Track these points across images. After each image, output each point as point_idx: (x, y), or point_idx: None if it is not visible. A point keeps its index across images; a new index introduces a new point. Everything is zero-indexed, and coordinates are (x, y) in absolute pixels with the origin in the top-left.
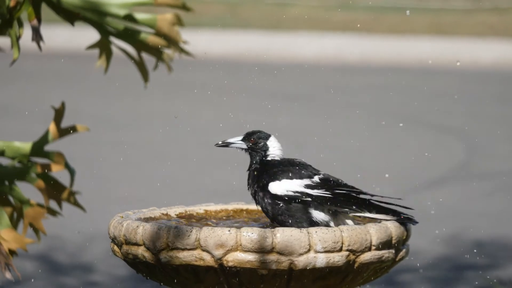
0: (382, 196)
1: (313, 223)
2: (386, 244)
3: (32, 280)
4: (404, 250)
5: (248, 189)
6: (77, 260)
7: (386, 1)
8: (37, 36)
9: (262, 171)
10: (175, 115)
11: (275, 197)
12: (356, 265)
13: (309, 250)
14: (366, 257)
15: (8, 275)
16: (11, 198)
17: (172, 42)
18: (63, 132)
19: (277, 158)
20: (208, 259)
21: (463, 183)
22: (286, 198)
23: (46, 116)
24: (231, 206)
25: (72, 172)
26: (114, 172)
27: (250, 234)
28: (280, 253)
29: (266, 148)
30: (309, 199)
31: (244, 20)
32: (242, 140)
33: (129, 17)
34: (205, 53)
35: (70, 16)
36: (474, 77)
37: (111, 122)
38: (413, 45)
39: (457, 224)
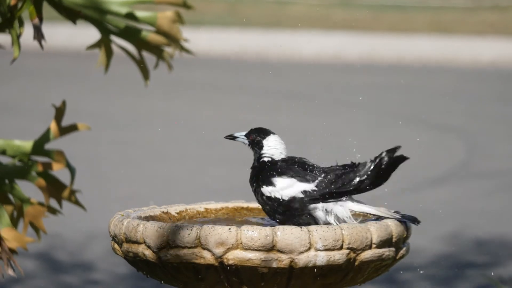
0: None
1: (312, 222)
2: (386, 242)
3: (33, 279)
4: (404, 249)
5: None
6: (77, 258)
7: (386, 0)
8: (38, 34)
9: (259, 171)
10: (176, 121)
11: (270, 198)
12: (356, 263)
13: (309, 248)
14: (366, 255)
15: (10, 271)
16: (11, 197)
17: (173, 40)
18: (64, 131)
19: (273, 158)
20: (208, 257)
21: (463, 182)
22: (281, 200)
23: (47, 115)
24: (231, 204)
25: (72, 171)
26: (114, 171)
27: (250, 232)
28: (281, 251)
29: (260, 147)
30: (305, 198)
31: (244, 18)
32: (245, 135)
33: (130, 15)
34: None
35: (72, 14)
36: (474, 75)
37: (112, 121)
38: (413, 44)
39: (458, 222)
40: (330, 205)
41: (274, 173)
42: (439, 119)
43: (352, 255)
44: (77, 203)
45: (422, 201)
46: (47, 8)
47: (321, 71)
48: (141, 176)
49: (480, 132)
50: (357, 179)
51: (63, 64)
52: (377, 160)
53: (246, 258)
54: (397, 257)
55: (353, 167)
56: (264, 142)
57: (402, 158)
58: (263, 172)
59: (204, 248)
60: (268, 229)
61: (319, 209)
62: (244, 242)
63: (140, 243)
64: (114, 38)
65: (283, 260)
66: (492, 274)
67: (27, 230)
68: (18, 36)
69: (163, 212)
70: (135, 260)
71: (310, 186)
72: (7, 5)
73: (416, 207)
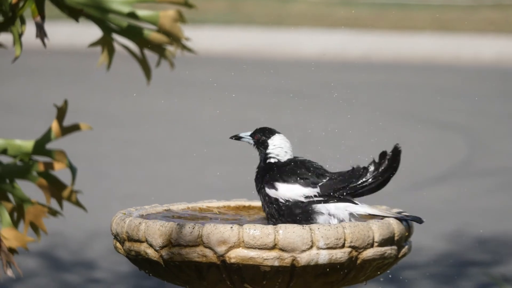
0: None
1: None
2: (388, 241)
3: (34, 277)
4: (406, 247)
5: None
6: (79, 257)
7: None
8: (41, 32)
9: (264, 172)
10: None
11: (272, 200)
12: (358, 261)
13: (311, 247)
14: (368, 253)
15: (9, 272)
16: (12, 197)
17: (175, 38)
18: (65, 131)
19: (278, 158)
20: (210, 256)
21: (465, 180)
22: (283, 203)
23: (48, 114)
24: (233, 203)
25: (73, 171)
26: (116, 170)
27: (252, 231)
28: (283, 249)
29: (265, 147)
30: (307, 202)
31: (246, 16)
32: (250, 135)
33: (131, 14)
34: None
35: (74, 12)
36: (476, 73)
37: (113, 120)
38: (415, 42)
39: (460, 220)
40: (332, 209)
41: (278, 176)
42: (441, 117)
43: (354, 253)
44: (77, 203)
45: (424, 199)
46: (48, 6)
47: (323, 69)
48: (143, 174)
49: (482, 130)
50: (360, 183)
51: (64, 63)
52: (379, 164)
53: (248, 257)
54: (399, 256)
55: (354, 172)
56: (269, 141)
57: (395, 153)
58: (268, 173)
59: (206, 247)
60: (270, 228)
61: (321, 213)
62: (246, 241)
63: (142, 242)
64: (116, 36)
65: (285, 258)
66: (494, 272)
67: (28, 229)
68: (20, 35)
69: (165, 210)
70: (137, 259)
71: (313, 191)
72: (8, 4)
73: (418, 205)
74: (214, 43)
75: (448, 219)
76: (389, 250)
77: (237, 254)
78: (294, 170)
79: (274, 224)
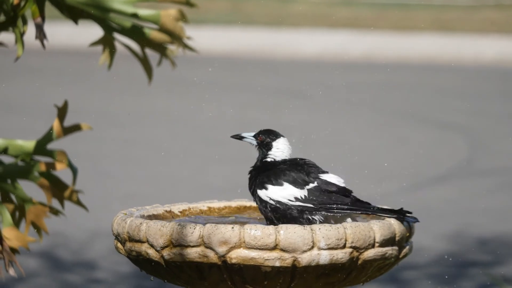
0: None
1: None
2: (389, 241)
3: (36, 277)
4: (407, 247)
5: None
6: (80, 257)
7: None
8: (41, 34)
9: (258, 172)
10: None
11: (263, 201)
12: (359, 262)
13: (312, 247)
14: (369, 254)
15: (11, 271)
16: (13, 197)
17: (176, 38)
18: (66, 131)
19: (275, 158)
20: (211, 256)
21: (466, 180)
22: (273, 203)
23: (49, 114)
24: (234, 203)
25: (74, 171)
26: (116, 169)
27: (253, 231)
28: (284, 250)
29: (269, 148)
30: (295, 203)
31: (247, 16)
32: (254, 136)
33: (133, 13)
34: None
35: (74, 14)
36: (477, 73)
37: (114, 120)
38: (416, 42)
39: (461, 221)
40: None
41: (270, 176)
42: (441, 117)
43: (355, 254)
44: (79, 203)
45: (424, 199)
46: (48, 7)
47: (323, 69)
48: (144, 174)
49: (483, 130)
50: (349, 203)
51: (65, 63)
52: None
53: (249, 257)
54: (400, 256)
55: (342, 191)
56: (274, 144)
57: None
58: (261, 173)
59: (207, 247)
60: (271, 228)
61: (314, 214)
62: (247, 241)
63: (143, 242)
64: (117, 35)
65: (286, 259)
66: (495, 272)
67: (29, 229)
68: (22, 35)
69: (166, 211)
70: (138, 259)
71: (302, 192)
72: (10, 4)
73: (419, 205)
74: (214, 43)
75: (449, 219)
76: (390, 250)
77: (238, 255)
78: (286, 169)
79: (269, 225)
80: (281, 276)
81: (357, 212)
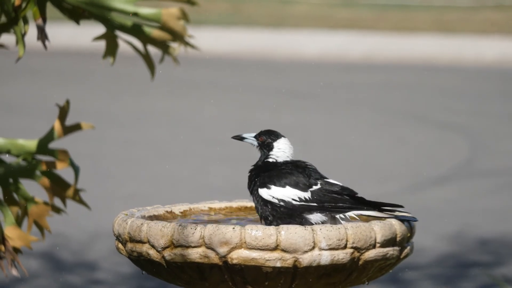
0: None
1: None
2: (390, 242)
3: (36, 278)
4: (408, 248)
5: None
6: (81, 257)
7: None
8: (42, 35)
9: (259, 172)
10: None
11: (264, 200)
12: (360, 262)
13: (313, 248)
14: (370, 254)
15: (14, 271)
16: (15, 196)
17: (178, 36)
18: (67, 130)
19: (277, 159)
20: (212, 257)
21: (466, 180)
22: (274, 202)
23: (50, 114)
24: (235, 204)
25: (76, 170)
26: (118, 170)
27: (254, 232)
28: (285, 250)
29: (270, 149)
30: (297, 204)
31: (248, 18)
32: (254, 136)
33: (134, 12)
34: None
35: (75, 15)
36: (478, 74)
37: (115, 120)
38: (416, 43)
39: (462, 221)
40: (323, 215)
41: (273, 177)
42: (442, 117)
43: (356, 254)
44: (81, 202)
45: (425, 200)
46: (49, 8)
47: (324, 70)
48: (145, 175)
49: (484, 130)
50: (348, 205)
51: (66, 63)
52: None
53: (250, 258)
54: (401, 256)
55: (346, 191)
56: (275, 144)
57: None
58: (262, 173)
59: (208, 248)
60: (272, 229)
61: (313, 214)
62: (248, 242)
63: (144, 243)
64: (119, 33)
65: (287, 259)
66: (496, 273)
67: (32, 229)
68: (23, 35)
69: (167, 211)
70: (139, 260)
71: (304, 194)
72: (11, 5)
73: (419, 205)
74: (215, 44)
75: (450, 220)
76: (391, 251)
77: (239, 255)
78: (288, 171)
79: (262, 219)
80: (282, 277)
81: (360, 211)
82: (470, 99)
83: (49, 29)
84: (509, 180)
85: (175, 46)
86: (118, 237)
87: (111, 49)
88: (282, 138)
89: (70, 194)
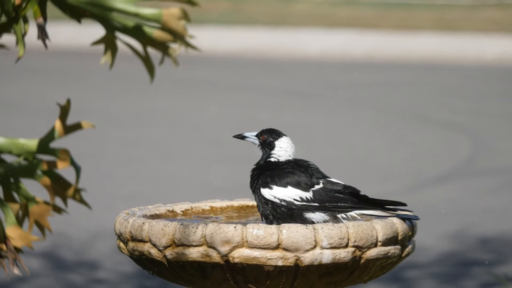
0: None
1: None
2: (392, 240)
3: (38, 277)
4: (410, 246)
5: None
6: (82, 257)
7: None
8: (43, 34)
9: (261, 171)
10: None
11: (266, 199)
12: (362, 261)
13: (315, 246)
14: (372, 253)
15: (16, 270)
16: (16, 196)
17: (179, 36)
18: (68, 129)
19: (279, 158)
20: (214, 256)
21: (468, 179)
22: (276, 202)
23: (51, 113)
24: (236, 203)
25: (77, 169)
26: (119, 169)
27: (256, 231)
28: (286, 249)
29: (272, 148)
30: (298, 204)
31: (249, 17)
32: (256, 135)
33: (135, 12)
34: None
35: (76, 14)
36: (479, 72)
37: (116, 119)
38: (418, 41)
39: (463, 220)
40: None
41: (274, 176)
42: (443, 116)
43: (358, 253)
44: (82, 201)
45: (426, 199)
46: (50, 7)
47: (325, 69)
48: (146, 174)
49: (485, 129)
50: (350, 204)
51: (67, 63)
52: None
53: (252, 257)
54: (403, 255)
55: (348, 189)
56: (276, 143)
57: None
58: (264, 172)
59: (209, 247)
60: (273, 227)
61: (314, 214)
62: (249, 241)
63: (146, 242)
64: (119, 34)
65: (289, 258)
66: (498, 271)
67: (33, 228)
68: (23, 35)
69: (168, 210)
70: (140, 259)
71: (306, 194)
72: (12, 4)
73: (421, 205)
74: (216, 43)
75: (451, 219)
76: (392, 249)
77: (240, 254)
78: (290, 171)
79: (269, 224)
80: (283, 276)
81: (362, 210)
82: (471, 98)
83: (50, 28)
84: (510, 179)
85: (175, 47)
86: (120, 236)
87: (110, 53)
88: (284, 136)
89: (71, 194)
